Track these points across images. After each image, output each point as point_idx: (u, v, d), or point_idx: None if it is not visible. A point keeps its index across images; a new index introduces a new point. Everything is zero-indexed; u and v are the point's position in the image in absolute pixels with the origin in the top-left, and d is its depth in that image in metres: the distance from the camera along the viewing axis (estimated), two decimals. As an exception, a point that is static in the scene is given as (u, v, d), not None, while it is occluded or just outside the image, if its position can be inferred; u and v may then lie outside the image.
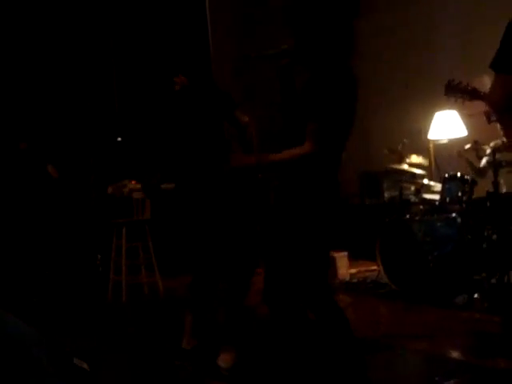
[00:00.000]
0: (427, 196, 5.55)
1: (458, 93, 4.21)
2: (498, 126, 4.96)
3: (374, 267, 5.65)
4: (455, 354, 3.82)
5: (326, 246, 2.77)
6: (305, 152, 2.60)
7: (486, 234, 4.82)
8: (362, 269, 6.22)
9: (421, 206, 5.59)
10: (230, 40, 8.99)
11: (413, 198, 5.65)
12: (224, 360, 3.55)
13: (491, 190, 4.66)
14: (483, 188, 4.93)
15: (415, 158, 5.70)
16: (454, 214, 5.18)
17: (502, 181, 4.88)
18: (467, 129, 5.87)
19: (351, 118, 2.72)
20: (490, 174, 4.75)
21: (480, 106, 4.45)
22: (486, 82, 4.53)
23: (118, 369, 3.90)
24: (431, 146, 6.15)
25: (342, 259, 6.01)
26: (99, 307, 5.95)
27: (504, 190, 4.96)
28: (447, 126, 5.93)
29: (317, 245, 2.70)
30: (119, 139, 8.60)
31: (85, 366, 3.13)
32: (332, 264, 5.97)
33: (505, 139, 4.80)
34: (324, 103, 2.60)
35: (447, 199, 5.18)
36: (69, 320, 5.36)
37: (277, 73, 2.76)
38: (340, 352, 2.68)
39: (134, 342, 4.53)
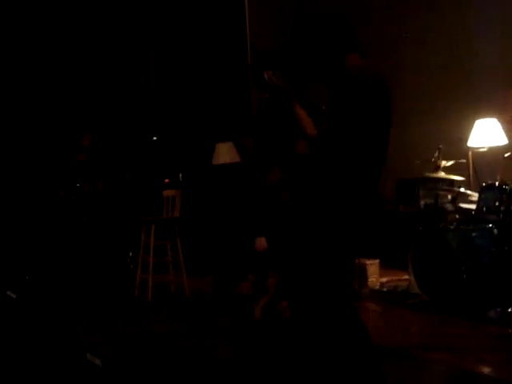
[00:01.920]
0: (463, 205, 5.38)
1: None
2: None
3: (406, 276, 5.49)
4: (485, 370, 3.65)
5: (347, 252, 2.67)
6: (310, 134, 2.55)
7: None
8: (394, 278, 6.05)
9: (456, 215, 5.42)
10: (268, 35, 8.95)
11: (449, 207, 5.49)
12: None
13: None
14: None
15: (451, 162, 5.56)
16: (490, 225, 4.99)
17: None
18: (507, 137, 5.71)
19: (381, 127, 2.60)
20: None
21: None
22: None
23: (133, 366, 3.84)
24: (470, 153, 5.98)
25: (372, 267, 5.87)
26: (124, 304, 5.92)
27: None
28: (487, 133, 5.78)
29: (336, 250, 2.60)
30: (155, 138, 8.63)
31: (97, 361, 3.09)
32: (362, 271, 5.85)
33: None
34: (338, 107, 2.54)
35: (484, 209, 5.00)
36: (91, 316, 5.35)
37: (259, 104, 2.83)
38: (354, 362, 2.56)
39: (154, 340, 4.48)
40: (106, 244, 7.41)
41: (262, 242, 4.84)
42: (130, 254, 7.39)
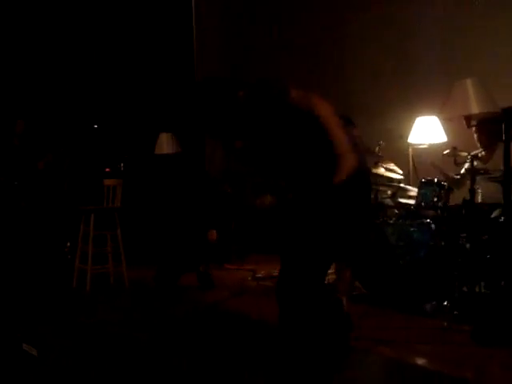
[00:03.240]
0: (403, 200, 5.48)
1: None
2: (475, 135, 4.95)
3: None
4: (420, 362, 3.72)
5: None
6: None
7: (459, 241, 4.74)
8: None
9: (395, 210, 5.51)
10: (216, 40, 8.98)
11: (388, 202, 5.57)
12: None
13: (468, 197, 4.59)
14: (461, 195, 4.86)
15: (392, 165, 5.64)
16: (428, 220, 5.10)
17: (478, 189, 4.83)
18: (447, 135, 5.84)
19: None
20: (467, 181, 4.70)
21: (460, 110, 4.40)
22: (466, 87, 4.48)
23: (70, 356, 3.77)
24: (410, 150, 6.09)
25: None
26: (62, 295, 5.81)
27: (480, 198, 4.90)
28: (427, 131, 5.90)
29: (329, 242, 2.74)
30: (96, 126, 8.47)
31: (34, 352, 3.02)
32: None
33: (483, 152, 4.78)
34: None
35: (422, 204, 5.10)
36: (28, 306, 5.23)
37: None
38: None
39: (92, 330, 4.41)
40: (43, 233, 7.24)
41: (213, 234, 4.88)
42: (68, 244, 7.26)
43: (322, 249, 2.73)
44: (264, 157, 2.93)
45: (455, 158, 4.90)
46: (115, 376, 3.40)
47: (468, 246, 4.64)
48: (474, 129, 4.71)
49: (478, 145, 4.99)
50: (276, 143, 2.85)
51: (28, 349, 2.81)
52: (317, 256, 2.72)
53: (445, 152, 5.03)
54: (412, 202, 5.34)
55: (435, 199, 5.00)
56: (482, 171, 4.61)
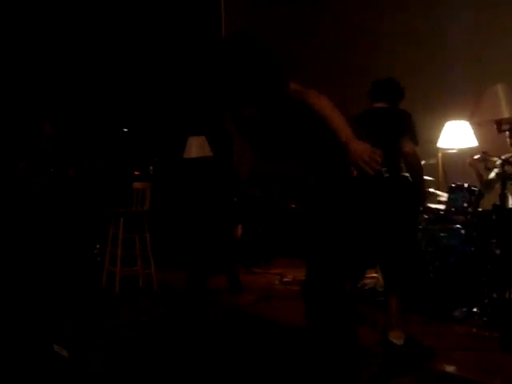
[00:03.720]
0: (432, 205, 5.43)
1: None
2: (508, 139, 4.89)
3: (374, 274, 5.53)
4: (450, 369, 3.69)
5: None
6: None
7: (490, 247, 4.70)
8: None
9: (425, 215, 5.47)
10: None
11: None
12: (397, 337, 3.65)
13: (498, 202, 4.55)
14: (490, 200, 4.82)
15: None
16: (458, 225, 5.06)
17: (509, 195, 4.78)
18: (477, 139, 5.78)
19: None
20: (498, 186, 4.66)
21: (490, 115, 4.36)
22: (497, 91, 4.44)
23: (99, 358, 3.81)
24: (440, 155, 6.04)
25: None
26: (91, 296, 5.87)
27: (511, 203, 4.85)
28: (457, 135, 5.85)
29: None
30: (126, 130, 8.55)
31: (64, 353, 3.06)
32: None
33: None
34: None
35: (452, 209, 5.06)
36: (58, 307, 5.29)
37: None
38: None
39: (121, 331, 4.45)
40: (74, 234, 7.32)
41: (239, 230, 4.88)
42: (98, 246, 7.32)
43: (343, 244, 2.80)
44: (271, 133, 2.94)
45: (485, 163, 4.86)
46: (140, 377, 3.44)
47: (498, 251, 4.60)
48: (507, 133, 4.66)
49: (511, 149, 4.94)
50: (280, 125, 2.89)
51: (59, 350, 2.84)
52: (339, 252, 2.79)
53: (475, 157, 4.99)
54: (442, 207, 5.29)
55: (465, 204, 4.96)
56: (514, 176, 4.56)
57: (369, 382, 3.09)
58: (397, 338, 3.67)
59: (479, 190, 4.99)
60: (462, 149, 5.86)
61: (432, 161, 5.73)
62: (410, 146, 4.02)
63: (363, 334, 4.11)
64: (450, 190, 5.14)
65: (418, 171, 4.11)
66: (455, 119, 5.92)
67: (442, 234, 5.07)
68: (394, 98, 4.33)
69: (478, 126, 5.51)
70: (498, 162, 4.68)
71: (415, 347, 3.69)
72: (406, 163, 4.03)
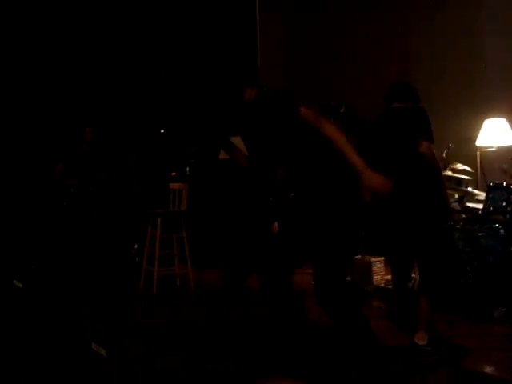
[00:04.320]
0: (470, 204, 5.37)
1: None
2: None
3: (412, 275, 5.48)
4: (489, 370, 3.65)
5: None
6: None
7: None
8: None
9: (463, 215, 5.41)
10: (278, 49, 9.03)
11: (455, 206, 5.47)
12: (421, 338, 3.74)
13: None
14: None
15: (460, 166, 5.55)
16: (496, 225, 4.99)
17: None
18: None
19: None
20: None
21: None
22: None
23: (138, 356, 3.86)
24: (478, 153, 5.97)
25: (377, 264, 5.87)
26: (129, 296, 5.94)
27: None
28: (496, 133, 5.78)
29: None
30: (162, 131, 8.63)
31: (102, 352, 3.10)
32: (368, 269, 5.85)
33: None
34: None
35: (491, 208, 4.99)
36: (97, 306, 5.38)
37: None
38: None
39: (159, 331, 4.50)
40: (112, 236, 7.43)
41: (276, 226, 4.91)
42: (136, 246, 7.41)
43: (343, 250, 3.07)
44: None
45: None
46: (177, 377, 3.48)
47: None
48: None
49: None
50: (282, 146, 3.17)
51: (97, 349, 2.88)
52: (340, 257, 3.05)
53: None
54: (480, 206, 5.23)
55: (504, 204, 4.89)
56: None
57: (392, 378, 3.11)
58: (420, 339, 3.72)
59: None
60: (500, 147, 5.78)
61: (470, 168, 5.65)
62: (425, 145, 3.95)
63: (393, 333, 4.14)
64: (488, 189, 5.07)
65: (436, 174, 4.05)
66: (494, 117, 5.84)
67: (480, 234, 5.00)
68: (409, 99, 4.28)
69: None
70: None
71: (443, 345, 3.71)
72: (423, 166, 3.97)
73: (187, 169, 7.98)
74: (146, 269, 6.25)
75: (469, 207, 5.35)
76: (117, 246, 7.43)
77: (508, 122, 5.68)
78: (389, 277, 6.00)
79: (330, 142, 2.95)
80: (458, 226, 5.16)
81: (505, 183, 4.94)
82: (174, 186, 6.58)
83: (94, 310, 5.21)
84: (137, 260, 7.17)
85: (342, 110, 6.72)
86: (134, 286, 6.28)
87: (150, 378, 3.52)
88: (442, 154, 5.51)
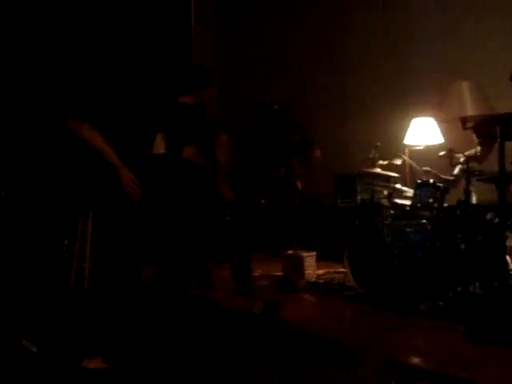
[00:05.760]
0: (399, 201, 5.52)
1: None
2: (474, 136, 4.99)
3: (342, 269, 5.60)
4: (415, 361, 3.77)
5: None
6: None
7: (455, 242, 4.78)
8: (330, 270, 6.16)
9: (392, 211, 5.55)
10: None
11: (384, 202, 5.61)
12: (257, 307, 4.56)
13: (463, 198, 4.64)
14: (456, 196, 4.90)
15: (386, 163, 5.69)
16: (424, 221, 5.15)
17: (473, 190, 4.86)
18: (443, 136, 5.87)
19: None
20: (462, 182, 4.75)
21: (455, 112, 4.44)
22: (462, 89, 4.53)
23: (69, 353, 3.80)
24: (406, 151, 6.12)
25: (309, 259, 5.95)
26: (60, 292, 5.84)
27: (474, 199, 4.94)
28: (424, 132, 5.93)
29: None
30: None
31: (34, 348, 3.06)
32: (299, 264, 5.93)
33: (478, 149, 4.81)
34: None
35: (418, 205, 5.15)
36: (27, 303, 5.26)
37: None
38: None
39: (90, 327, 4.44)
40: (41, 232, 7.26)
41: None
42: (66, 243, 7.27)
43: None
44: None
45: (451, 160, 4.95)
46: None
47: (463, 246, 4.69)
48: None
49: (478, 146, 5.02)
50: None
51: (28, 345, 2.85)
52: None
53: (440, 153, 5.08)
54: (408, 202, 5.38)
55: (431, 200, 5.04)
56: (477, 172, 4.65)
57: None
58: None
59: (444, 185, 5.08)
60: (428, 145, 5.95)
61: (397, 161, 5.78)
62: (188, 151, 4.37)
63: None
64: (416, 186, 5.22)
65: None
66: (421, 116, 5.99)
67: (408, 230, 5.16)
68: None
69: (444, 123, 5.60)
70: (462, 158, 4.77)
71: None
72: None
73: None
74: (76, 265, 6.14)
75: (397, 203, 5.50)
76: (46, 242, 7.27)
77: (435, 120, 5.83)
78: (320, 271, 6.12)
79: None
80: (387, 222, 5.30)
81: (432, 180, 5.10)
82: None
83: (24, 306, 5.09)
84: (67, 256, 7.03)
85: (275, 107, 6.81)
86: (64, 282, 6.17)
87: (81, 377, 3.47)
88: (371, 151, 5.65)
